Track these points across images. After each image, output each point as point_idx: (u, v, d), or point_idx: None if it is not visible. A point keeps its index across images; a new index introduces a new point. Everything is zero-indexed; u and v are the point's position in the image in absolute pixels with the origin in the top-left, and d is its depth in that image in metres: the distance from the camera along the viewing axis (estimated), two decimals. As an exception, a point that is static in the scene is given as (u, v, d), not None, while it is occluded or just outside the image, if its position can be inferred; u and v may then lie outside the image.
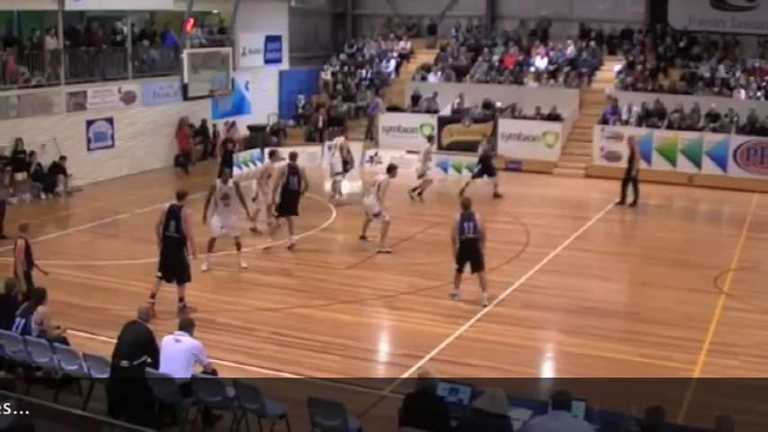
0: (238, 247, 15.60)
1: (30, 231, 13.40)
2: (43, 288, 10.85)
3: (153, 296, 13.14)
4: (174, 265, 13.19)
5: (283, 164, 17.24)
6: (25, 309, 10.54)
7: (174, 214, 13.12)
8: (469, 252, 13.76)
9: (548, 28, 31.35)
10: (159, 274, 13.24)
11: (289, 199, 16.83)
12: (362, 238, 17.64)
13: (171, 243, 13.13)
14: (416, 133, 27.44)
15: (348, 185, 22.51)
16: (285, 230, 17.07)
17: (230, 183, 15.49)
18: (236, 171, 23.29)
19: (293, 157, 17.46)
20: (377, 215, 17.12)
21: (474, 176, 22.72)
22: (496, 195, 22.29)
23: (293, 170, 16.85)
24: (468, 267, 13.92)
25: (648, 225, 20.46)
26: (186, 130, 26.51)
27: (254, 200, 17.93)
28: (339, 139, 22.29)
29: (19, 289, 11.48)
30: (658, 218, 20.64)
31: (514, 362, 11.78)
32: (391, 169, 17.68)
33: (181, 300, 13.22)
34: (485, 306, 13.69)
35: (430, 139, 24.58)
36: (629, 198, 21.40)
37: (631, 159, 21.48)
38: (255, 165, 26.29)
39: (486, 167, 22.57)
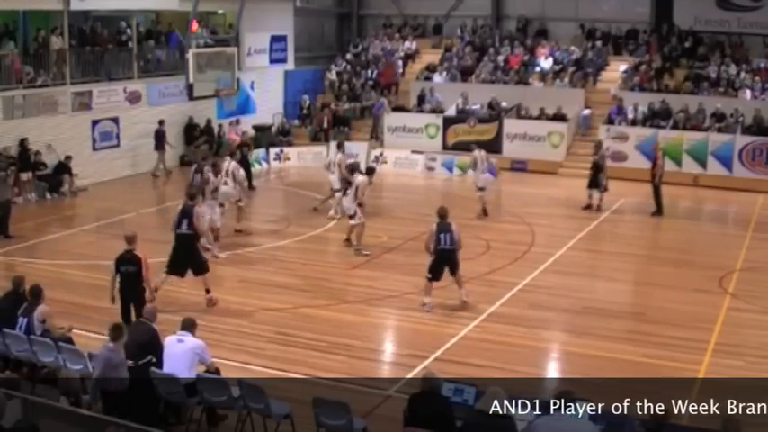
0: (216, 238, 16.66)
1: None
2: (38, 285, 10.72)
3: None
4: None
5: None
6: (26, 308, 10.52)
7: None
8: (446, 262, 13.68)
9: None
10: None
11: None
12: (347, 241, 17.23)
13: None
14: (422, 133, 27.48)
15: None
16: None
17: (219, 177, 16.80)
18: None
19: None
20: (351, 217, 17.03)
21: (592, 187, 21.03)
22: (598, 209, 20.91)
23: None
24: (443, 276, 13.82)
25: (653, 225, 20.41)
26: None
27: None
28: (338, 156, 20.22)
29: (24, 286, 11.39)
30: (663, 218, 20.58)
31: (519, 362, 11.78)
32: (370, 172, 17.86)
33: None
34: (464, 302, 13.74)
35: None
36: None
37: (654, 167, 20.81)
38: (261, 165, 26.42)
39: (593, 176, 20.90)
